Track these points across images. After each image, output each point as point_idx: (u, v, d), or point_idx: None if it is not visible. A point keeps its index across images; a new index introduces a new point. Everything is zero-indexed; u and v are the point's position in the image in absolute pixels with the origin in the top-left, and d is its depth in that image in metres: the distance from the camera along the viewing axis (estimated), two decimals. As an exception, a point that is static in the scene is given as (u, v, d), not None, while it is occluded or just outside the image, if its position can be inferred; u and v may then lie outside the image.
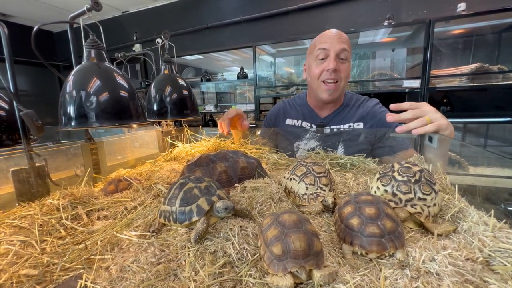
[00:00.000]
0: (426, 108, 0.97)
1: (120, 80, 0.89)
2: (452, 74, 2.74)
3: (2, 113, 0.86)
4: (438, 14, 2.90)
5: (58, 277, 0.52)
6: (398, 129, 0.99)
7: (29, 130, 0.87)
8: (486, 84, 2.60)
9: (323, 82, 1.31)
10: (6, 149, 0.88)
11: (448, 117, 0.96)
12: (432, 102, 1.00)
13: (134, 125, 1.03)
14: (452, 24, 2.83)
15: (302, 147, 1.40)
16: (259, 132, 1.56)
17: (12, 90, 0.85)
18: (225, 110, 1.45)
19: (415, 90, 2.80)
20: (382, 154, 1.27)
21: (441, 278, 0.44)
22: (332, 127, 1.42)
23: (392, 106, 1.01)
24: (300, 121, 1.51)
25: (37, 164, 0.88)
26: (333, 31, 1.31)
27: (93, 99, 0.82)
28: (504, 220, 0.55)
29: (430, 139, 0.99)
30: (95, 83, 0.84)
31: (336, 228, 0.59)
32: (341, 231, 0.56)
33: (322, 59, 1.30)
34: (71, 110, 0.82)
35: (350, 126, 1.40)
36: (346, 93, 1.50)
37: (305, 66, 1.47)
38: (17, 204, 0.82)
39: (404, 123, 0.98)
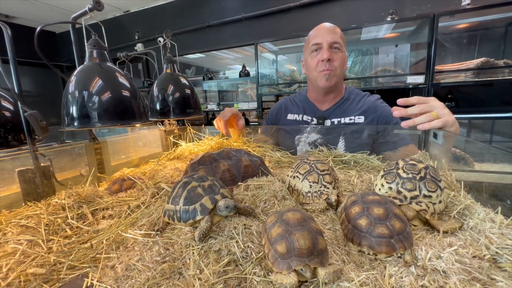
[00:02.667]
0: (434, 103, 0.95)
1: (122, 80, 0.90)
2: (457, 69, 2.70)
3: (7, 114, 0.86)
4: (442, 8, 2.86)
5: (64, 276, 0.52)
6: (403, 123, 0.97)
7: (34, 131, 0.88)
8: (492, 79, 2.56)
9: (321, 71, 1.36)
10: (12, 149, 0.89)
11: (453, 113, 0.94)
12: (437, 98, 0.98)
13: (137, 125, 1.03)
14: (456, 18, 2.79)
15: (303, 140, 1.42)
16: (260, 130, 1.58)
17: (16, 91, 0.86)
18: (227, 108, 1.47)
19: (419, 86, 2.77)
20: (382, 150, 1.27)
21: (447, 276, 0.43)
22: (332, 119, 1.44)
23: (400, 101, 0.99)
24: (301, 116, 1.54)
25: (42, 164, 0.89)
26: (325, 24, 1.37)
27: (96, 99, 0.82)
28: (511, 217, 0.55)
29: (435, 135, 0.98)
30: (97, 83, 0.84)
31: (343, 228, 0.59)
32: (349, 232, 0.55)
33: (316, 50, 1.37)
34: (73, 110, 0.82)
35: (351, 119, 1.40)
36: (347, 87, 1.51)
37: (303, 62, 1.52)
38: (23, 204, 0.84)
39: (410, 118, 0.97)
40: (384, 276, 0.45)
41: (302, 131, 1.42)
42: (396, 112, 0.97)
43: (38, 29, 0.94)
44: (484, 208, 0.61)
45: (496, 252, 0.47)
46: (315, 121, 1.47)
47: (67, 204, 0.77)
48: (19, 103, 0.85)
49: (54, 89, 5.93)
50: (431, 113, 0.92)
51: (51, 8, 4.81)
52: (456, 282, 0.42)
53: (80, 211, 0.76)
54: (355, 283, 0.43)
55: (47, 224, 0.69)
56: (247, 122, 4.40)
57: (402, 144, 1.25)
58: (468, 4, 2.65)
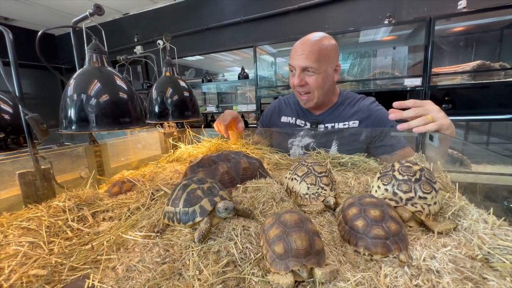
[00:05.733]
0: (429, 106, 0.96)
1: (121, 85, 0.90)
2: (454, 72, 2.72)
3: (8, 117, 0.87)
4: (438, 11, 2.89)
5: (66, 277, 0.53)
6: (399, 126, 0.99)
7: (34, 133, 0.88)
8: (488, 81, 2.59)
9: (298, 92, 1.40)
10: (12, 152, 0.89)
11: (450, 115, 0.96)
12: (434, 100, 0.99)
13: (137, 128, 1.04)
14: (453, 21, 2.81)
15: (296, 144, 1.42)
16: (256, 132, 1.59)
17: (17, 94, 0.86)
18: (226, 111, 1.46)
19: (417, 88, 2.79)
20: (379, 153, 1.27)
21: (441, 276, 0.44)
22: (326, 125, 1.44)
23: (395, 104, 1.00)
24: (294, 119, 1.55)
25: (42, 167, 0.90)
26: (307, 40, 1.31)
27: (93, 104, 0.83)
28: (503, 218, 0.56)
29: (431, 138, 1.00)
30: (95, 88, 0.84)
31: (340, 230, 0.60)
32: (346, 233, 0.57)
33: (292, 71, 1.37)
34: (71, 113, 0.83)
35: (345, 124, 1.41)
36: (341, 91, 1.51)
37: None
38: (23, 206, 0.84)
39: (406, 121, 0.99)
40: (380, 276, 0.46)
41: (296, 135, 1.43)
42: (392, 115, 0.99)
43: (40, 32, 0.95)
44: (477, 209, 0.63)
45: (488, 252, 0.48)
46: (308, 125, 1.48)
47: (68, 206, 0.78)
48: (20, 106, 0.86)
49: (54, 91, 5.93)
50: (426, 116, 0.93)
51: (50, 11, 4.82)
52: (449, 282, 0.43)
53: (80, 213, 0.77)
54: (351, 283, 0.44)
55: (48, 226, 0.70)
56: (246, 124, 4.40)
57: (399, 147, 1.25)
58: (464, 7, 2.68)
